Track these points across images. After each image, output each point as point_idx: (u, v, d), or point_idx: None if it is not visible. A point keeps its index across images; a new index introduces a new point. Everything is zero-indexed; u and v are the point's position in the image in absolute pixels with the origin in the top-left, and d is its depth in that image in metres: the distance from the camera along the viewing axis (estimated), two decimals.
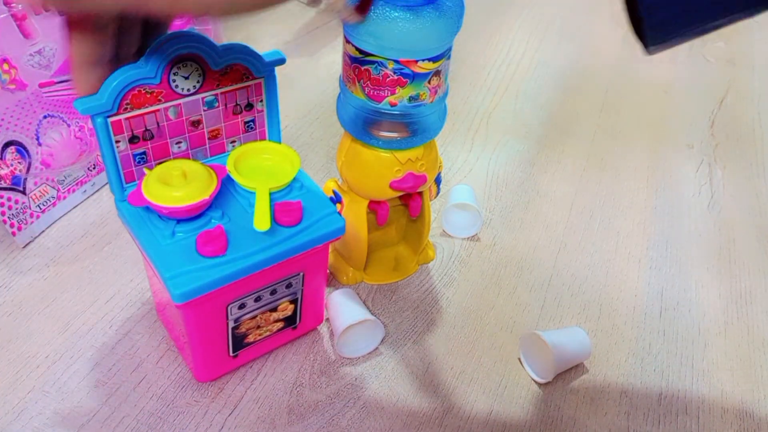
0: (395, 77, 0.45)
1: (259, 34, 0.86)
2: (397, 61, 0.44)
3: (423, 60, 0.44)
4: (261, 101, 0.47)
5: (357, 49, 0.45)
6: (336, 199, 0.52)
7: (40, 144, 0.56)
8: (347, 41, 0.46)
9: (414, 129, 0.48)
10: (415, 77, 0.45)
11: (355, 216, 0.52)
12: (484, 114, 0.76)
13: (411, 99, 0.46)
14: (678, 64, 0.87)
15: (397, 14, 0.42)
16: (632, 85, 0.83)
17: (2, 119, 0.53)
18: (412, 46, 0.43)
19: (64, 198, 0.60)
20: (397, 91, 0.45)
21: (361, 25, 0.43)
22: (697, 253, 0.62)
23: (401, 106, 0.46)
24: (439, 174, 0.55)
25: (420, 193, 0.53)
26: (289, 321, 0.49)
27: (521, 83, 0.81)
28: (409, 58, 0.44)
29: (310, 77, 0.79)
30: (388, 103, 0.46)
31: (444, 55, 0.45)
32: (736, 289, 0.58)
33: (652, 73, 0.85)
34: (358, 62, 0.45)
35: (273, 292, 0.46)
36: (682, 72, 0.85)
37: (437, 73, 0.46)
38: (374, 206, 0.53)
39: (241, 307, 0.44)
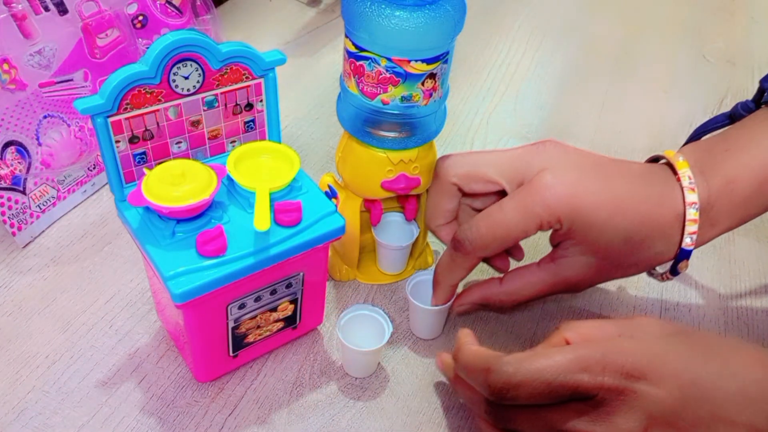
0: (387, 75, 0.45)
1: (259, 34, 0.86)
2: (389, 59, 0.44)
3: (416, 61, 0.44)
4: (261, 101, 0.47)
5: (353, 43, 0.45)
6: (331, 194, 0.52)
7: (40, 144, 0.56)
8: (346, 36, 0.46)
9: (407, 130, 0.48)
10: (407, 77, 0.45)
11: (348, 213, 0.52)
12: (484, 114, 0.76)
13: (403, 99, 0.46)
14: (678, 64, 0.87)
15: (390, 11, 0.42)
16: (632, 85, 0.83)
17: (2, 119, 0.54)
18: (403, 45, 0.43)
19: (64, 198, 0.60)
20: (389, 89, 0.45)
21: (357, 20, 0.43)
22: (697, 253, 0.61)
23: (393, 105, 0.46)
24: None
25: (417, 196, 0.53)
26: (289, 321, 0.49)
27: (521, 83, 0.81)
28: (401, 57, 0.44)
29: (310, 77, 0.79)
30: (381, 101, 0.46)
31: (440, 59, 0.45)
32: (736, 289, 0.58)
33: (652, 73, 0.85)
34: (354, 57, 0.45)
35: (273, 292, 0.46)
36: (682, 72, 0.85)
37: (432, 75, 0.45)
38: (369, 205, 0.53)
39: (241, 307, 0.44)
